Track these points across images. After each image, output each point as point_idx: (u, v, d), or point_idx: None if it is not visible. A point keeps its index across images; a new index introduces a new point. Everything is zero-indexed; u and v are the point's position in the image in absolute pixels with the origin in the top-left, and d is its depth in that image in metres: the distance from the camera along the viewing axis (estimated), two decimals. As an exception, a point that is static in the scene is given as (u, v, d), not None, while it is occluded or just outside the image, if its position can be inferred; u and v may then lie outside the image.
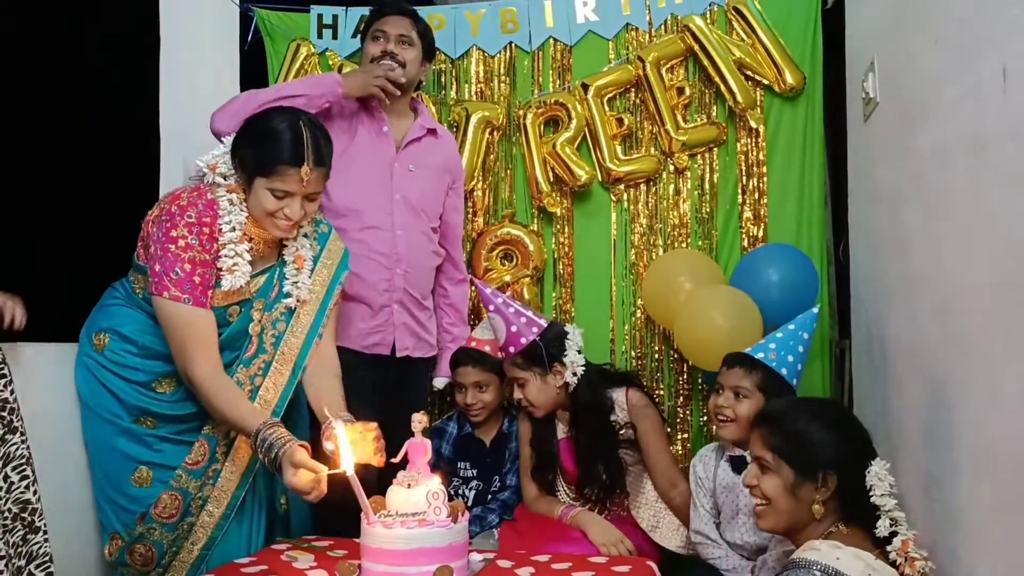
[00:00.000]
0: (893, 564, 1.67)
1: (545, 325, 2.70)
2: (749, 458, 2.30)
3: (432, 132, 2.90)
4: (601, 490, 2.61)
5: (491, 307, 2.71)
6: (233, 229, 2.20)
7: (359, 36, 2.89)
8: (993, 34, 1.51)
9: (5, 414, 1.87)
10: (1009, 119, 1.43)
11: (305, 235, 2.40)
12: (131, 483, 2.22)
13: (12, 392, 1.89)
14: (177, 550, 2.22)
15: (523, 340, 2.64)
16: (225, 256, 2.19)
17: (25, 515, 1.88)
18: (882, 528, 1.69)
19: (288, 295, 2.32)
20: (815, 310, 2.44)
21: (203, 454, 2.24)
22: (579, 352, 2.67)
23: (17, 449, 1.88)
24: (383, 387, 2.78)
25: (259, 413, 2.15)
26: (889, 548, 1.68)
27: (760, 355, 2.31)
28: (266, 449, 2.03)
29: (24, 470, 1.89)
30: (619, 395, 2.64)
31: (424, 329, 2.91)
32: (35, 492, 1.90)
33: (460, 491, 2.87)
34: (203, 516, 2.23)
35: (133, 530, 2.22)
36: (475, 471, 2.90)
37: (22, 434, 1.89)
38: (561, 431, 2.71)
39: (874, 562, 1.64)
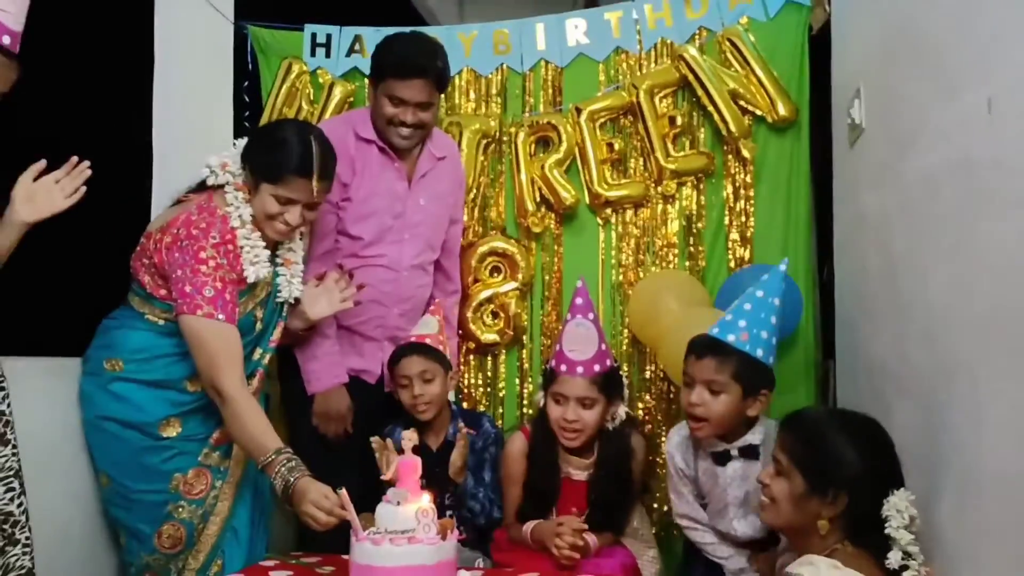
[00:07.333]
0: None
1: None
2: (734, 452, 2.21)
3: (441, 159, 2.88)
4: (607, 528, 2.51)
5: (590, 315, 2.48)
6: (243, 224, 2.31)
7: (371, 66, 2.75)
8: (979, 66, 1.55)
9: (0, 427, 1.88)
10: (994, 150, 1.46)
11: (293, 244, 2.51)
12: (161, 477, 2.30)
13: (8, 405, 1.91)
14: (204, 525, 2.33)
15: (609, 361, 2.50)
16: (245, 248, 2.29)
17: (6, 527, 1.89)
18: (893, 560, 1.60)
19: (279, 293, 2.46)
20: (782, 267, 2.29)
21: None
22: None
23: (7, 461, 1.89)
24: (369, 411, 2.79)
25: (276, 436, 2.18)
26: None
27: (731, 338, 2.14)
28: (287, 470, 2.06)
29: (11, 483, 1.91)
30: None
31: None
32: (19, 505, 1.91)
33: None
34: (224, 488, 2.36)
35: (161, 516, 2.30)
36: (422, 480, 2.80)
37: (14, 447, 1.92)
38: (573, 472, 2.55)
39: None
